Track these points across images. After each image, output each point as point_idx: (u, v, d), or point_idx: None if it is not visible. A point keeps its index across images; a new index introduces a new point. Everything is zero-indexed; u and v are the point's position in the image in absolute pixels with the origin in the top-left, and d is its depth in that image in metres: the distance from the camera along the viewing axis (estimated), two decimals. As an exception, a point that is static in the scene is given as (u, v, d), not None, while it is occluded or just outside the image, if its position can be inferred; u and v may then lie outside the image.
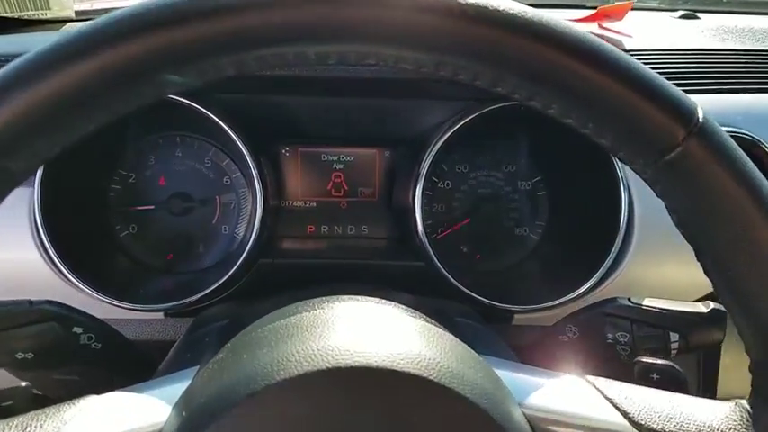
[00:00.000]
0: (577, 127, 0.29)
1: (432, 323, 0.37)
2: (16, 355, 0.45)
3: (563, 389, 0.37)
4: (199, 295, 0.78)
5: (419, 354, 0.30)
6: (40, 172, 0.74)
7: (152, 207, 0.92)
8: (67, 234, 0.78)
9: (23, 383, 0.42)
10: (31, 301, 0.48)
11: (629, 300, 0.66)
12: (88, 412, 0.38)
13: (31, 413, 0.37)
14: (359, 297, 0.38)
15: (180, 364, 0.49)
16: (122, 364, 0.58)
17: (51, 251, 0.73)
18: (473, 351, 0.34)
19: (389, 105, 0.91)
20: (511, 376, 0.37)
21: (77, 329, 0.49)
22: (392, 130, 0.93)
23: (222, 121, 0.78)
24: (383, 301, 0.38)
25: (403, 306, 0.39)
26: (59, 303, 0.54)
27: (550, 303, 0.81)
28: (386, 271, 0.88)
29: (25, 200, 0.75)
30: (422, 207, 0.81)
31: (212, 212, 0.95)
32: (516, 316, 0.85)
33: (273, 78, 0.80)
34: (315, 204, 1.00)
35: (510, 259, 0.99)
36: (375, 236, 1.00)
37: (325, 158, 0.99)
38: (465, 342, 0.34)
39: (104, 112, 0.27)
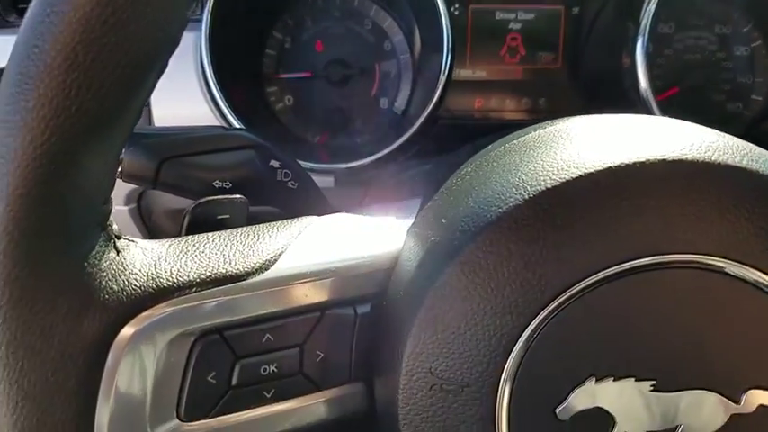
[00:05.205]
0: None
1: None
2: (213, 183, 0.40)
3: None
4: (376, 156, 0.69)
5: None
6: (204, 41, 0.68)
7: (309, 74, 0.85)
8: (235, 94, 0.73)
9: (238, 196, 0.36)
10: (224, 128, 0.43)
11: None
12: (315, 230, 0.32)
13: (259, 226, 0.31)
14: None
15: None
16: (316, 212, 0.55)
17: (223, 105, 0.68)
18: None
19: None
20: None
21: (275, 163, 0.42)
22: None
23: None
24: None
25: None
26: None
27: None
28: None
29: (190, 61, 0.70)
30: (646, 66, 0.65)
31: (371, 83, 0.87)
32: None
33: None
34: (484, 73, 0.88)
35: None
36: (554, 110, 0.87)
37: (500, 17, 0.86)
38: None
39: None
